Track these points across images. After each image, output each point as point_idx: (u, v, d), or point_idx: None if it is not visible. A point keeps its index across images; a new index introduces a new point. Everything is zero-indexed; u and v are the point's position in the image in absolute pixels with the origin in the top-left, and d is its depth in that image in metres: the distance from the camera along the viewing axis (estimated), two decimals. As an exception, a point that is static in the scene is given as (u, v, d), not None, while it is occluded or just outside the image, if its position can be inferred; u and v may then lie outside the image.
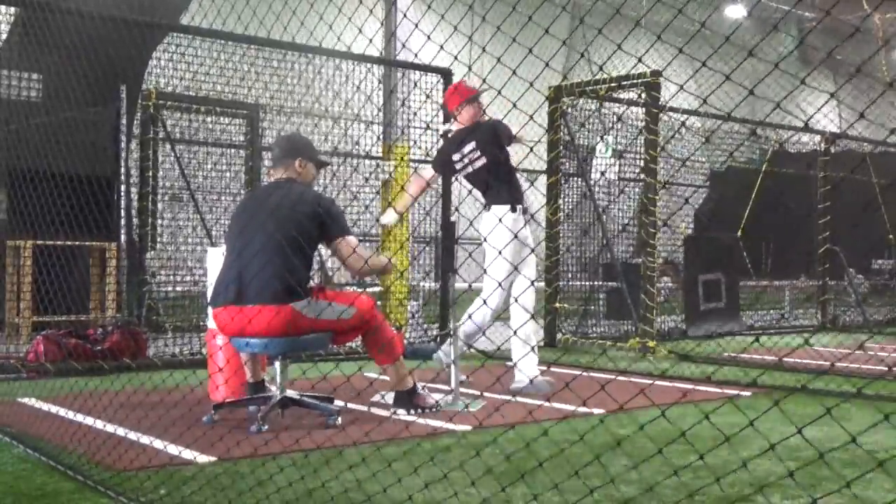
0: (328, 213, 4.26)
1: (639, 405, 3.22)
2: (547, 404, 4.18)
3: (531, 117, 2.57)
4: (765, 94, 2.40)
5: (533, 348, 5.35)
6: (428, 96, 8.30)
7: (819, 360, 6.68)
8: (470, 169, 5.50)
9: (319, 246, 4.46)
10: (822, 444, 3.53)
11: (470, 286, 5.06)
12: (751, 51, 1.91)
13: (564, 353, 7.49)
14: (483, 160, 5.43)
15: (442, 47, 2.64)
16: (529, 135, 5.52)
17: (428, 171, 5.80)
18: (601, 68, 2.89)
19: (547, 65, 2.35)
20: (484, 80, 3.01)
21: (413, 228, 9.58)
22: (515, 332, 5.19)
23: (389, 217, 5.73)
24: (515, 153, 5.66)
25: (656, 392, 4.63)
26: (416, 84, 8.55)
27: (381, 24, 9.14)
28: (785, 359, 6.12)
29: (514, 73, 2.18)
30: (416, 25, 2.81)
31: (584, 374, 2.76)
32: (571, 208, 8.38)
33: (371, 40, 3.41)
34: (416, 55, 2.88)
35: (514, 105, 2.26)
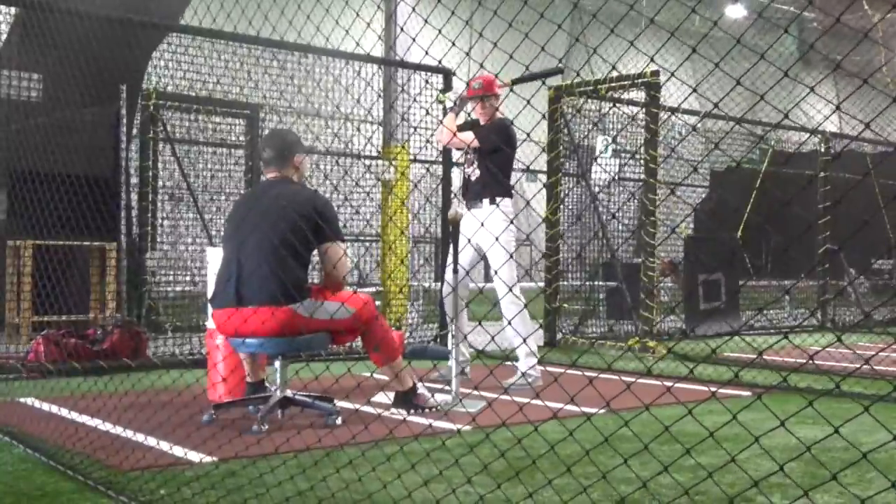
0: (323, 215, 4.24)
1: (639, 405, 3.22)
2: (545, 404, 4.17)
3: (544, 116, 2.57)
4: (765, 92, 2.39)
5: (525, 340, 5.38)
6: (428, 112, 8.28)
7: (817, 360, 6.67)
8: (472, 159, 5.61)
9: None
10: (824, 444, 3.52)
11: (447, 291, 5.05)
12: (759, 58, 1.91)
13: (566, 355, 7.48)
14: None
15: (453, 43, 2.64)
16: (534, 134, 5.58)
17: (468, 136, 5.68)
18: (613, 67, 2.89)
19: (554, 60, 2.36)
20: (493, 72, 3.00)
21: (413, 228, 9.57)
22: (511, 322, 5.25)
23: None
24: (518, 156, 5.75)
25: (658, 392, 4.61)
26: (421, 88, 8.54)
27: (380, 9, 9.11)
28: (787, 358, 6.11)
29: (513, 59, 2.18)
30: (425, 19, 2.80)
31: (583, 373, 2.76)
32: (571, 208, 8.38)
33: (379, 36, 3.40)
34: (426, 52, 2.87)
35: (529, 102, 2.25)
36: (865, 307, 10.39)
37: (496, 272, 5.16)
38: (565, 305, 8.30)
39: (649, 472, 3.14)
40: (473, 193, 5.56)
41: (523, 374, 5.38)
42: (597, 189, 8.36)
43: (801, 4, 15.93)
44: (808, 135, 10.59)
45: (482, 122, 5.58)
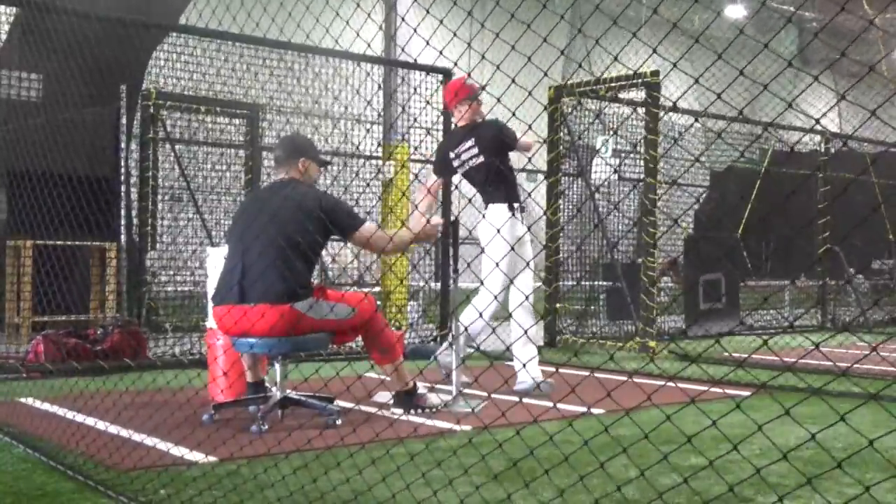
0: (333, 211, 4.25)
1: (639, 405, 3.22)
2: (544, 405, 4.18)
3: (532, 126, 2.57)
4: (764, 93, 2.40)
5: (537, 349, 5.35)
6: (428, 102, 8.27)
7: (819, 361, 6.67)
8: (467, 167, 5.45)
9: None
10: (824, 444, 3.52)
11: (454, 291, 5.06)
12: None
13: (566, 354, 7.48)
14: (481, 159, 5.38)
15: (447, 50, 2.64)
16: (531, 136, 5.50)
17: (430, 178, 5.72)
18: (618, 62, 2.89)
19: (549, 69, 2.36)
20: (483, 88, 3.00)
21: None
22: (524, 332, 5.16)
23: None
24: (518, 157, 5.67)
25: (658, 393, 4.61)
26: (416, 89, 8.53)
27: (381, 27, 9.13)
28: (788, 359, 6.11)
29: (515, 76, 2.18)
30: (427, 10, 2.81)
31: (585, 374, 2.77)
32: (572, 208, 8.38)
33: (369, 45, 3.41)
34: (415, 59, 2.87)
35: (515, 112, 2.26)
36: (865, 307, 10.39)
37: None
38: (565, 305, 8.30)
39: (648, 473, 3.14)
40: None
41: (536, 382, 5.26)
42: (596, 188, 8.36)
43: (802, 4, 15.94)
44: (807, 134, 10.58)
45: (479, 120, 5.51)
